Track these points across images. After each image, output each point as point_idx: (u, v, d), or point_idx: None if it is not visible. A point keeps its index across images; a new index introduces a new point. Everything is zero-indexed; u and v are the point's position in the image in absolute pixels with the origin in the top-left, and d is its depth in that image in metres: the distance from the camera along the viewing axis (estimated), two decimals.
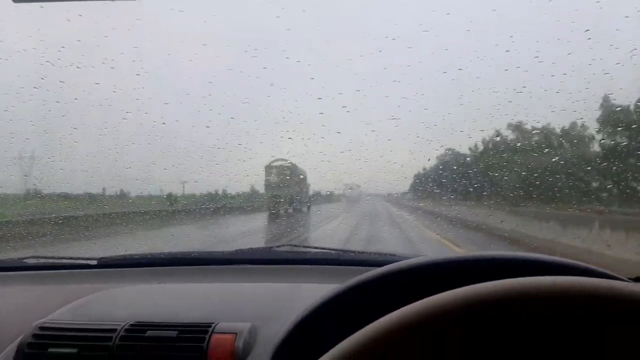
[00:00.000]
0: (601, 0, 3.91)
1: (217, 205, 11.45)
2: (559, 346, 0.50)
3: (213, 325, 1.14)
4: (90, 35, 5.04)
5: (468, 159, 8.56)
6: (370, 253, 1.98)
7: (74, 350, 1.09)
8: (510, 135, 8.47)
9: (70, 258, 1.96)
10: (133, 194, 9.10)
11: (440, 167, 7.86)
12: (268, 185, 11.92)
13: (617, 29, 4.09)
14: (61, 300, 1.39)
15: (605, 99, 5.36)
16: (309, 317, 0.86)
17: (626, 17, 3.94)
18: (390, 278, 0.84)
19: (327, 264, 1.82)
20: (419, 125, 4.98)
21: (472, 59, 4.58)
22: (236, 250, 1.98)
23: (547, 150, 7.17)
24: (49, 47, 4.65)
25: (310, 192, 13.17)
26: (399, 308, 0.55)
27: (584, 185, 7.30)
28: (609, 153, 7.22)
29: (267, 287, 1.54)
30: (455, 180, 7.25)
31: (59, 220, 7.41)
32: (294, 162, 11.01)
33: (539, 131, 7.64)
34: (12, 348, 1.15)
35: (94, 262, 1.88)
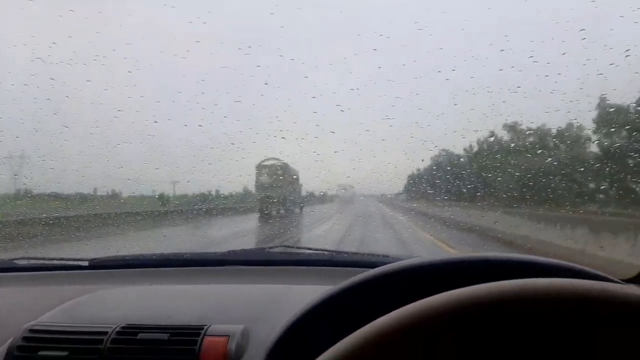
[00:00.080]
0: (596, 0, 3.92)
1: (209, 206, 11.38)
2: (552, 348, 0.50)
3: (205, 327, 1.12)
4: (82, 32, 4.98)
5: (462, 159, 8.58)
6: (363, 254, 1.96)
7: (65, 354, 1.08)
8: (504, 135, 8.52)
9: (62, 259, 1.94)
10: (125, 194, 9.05)
11: (434, 168, 7.87)
12: (259, 185, 11.72)
13: (612, 29, 4.11)
14: (52, 302, 1.36)
15: (602, 99, 5.39)
16: (302, 319, 0.85)
17: (621, 17, 3.95)
18: (383, 280, 0.83)
19: (320, 265, 1.81)
20: (413, 125, 4.98)
21: (466, 58, 4.58)
22: (229, 252, 1.97)
23: (540, 151, 7.21)
24: (39, 43, 4.59)
25: (303, 193, 12.94)
26: (392, 310, 0.54)
27: (577, 187, 7.34)
28: (603, 154, 7.27)
29: (260, 288, 1.52)
30: (448, 181, 7.27)
31: (50, 220, 7.35)
32: (285, 162, 10.79)
33: (532, 132, 7.69)
34: (1, 351, 1.13)
35: (86, 263, 1.86)
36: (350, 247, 7.19)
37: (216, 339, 1.09)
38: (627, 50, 3.98)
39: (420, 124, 4.89)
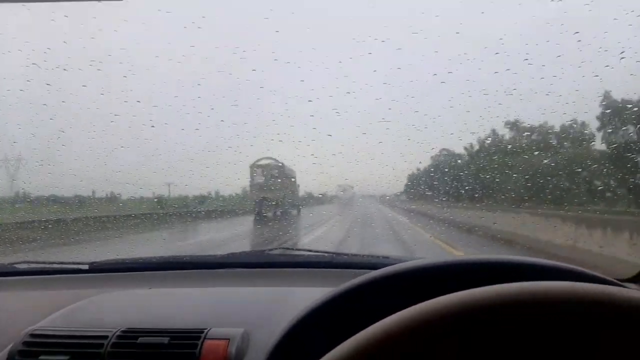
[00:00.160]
0: (590, 3, 3.91)
1: (207, 209, 11.34)
2: (554, 351, 0.50)
3: (205, 330, 1.12)
4: (77, 37, 4.98)
5: (459, 160, 8.57)
6: (363, 256, 1.95)
7: (66, 358, 1.08)
8: (503, 135, 8.50)
9: (62, 263, 1.94)
10: (123, 198, 9.06)
11: (432, 169, 7.86)
12: (253, 186, 11.19)
13: (606, 32, 4.10)
14: (53, 306, 1.36)
15: (607, 96, 5.37)
16: (303, 322, 0.85)
17: (615, 19, 3.94)
18: (384, 282, 0.83)
19: (320, 267, 1.81)
20: (410, 128, 4.97)
21: (461, 61, 4.57)
22: (228, 254, 1.97)
23: (537, 152, 7.20)
24: (34, 49, 4.59)
25: (301, 194, 12.56)
26: (393, 312, 0.54)
27: (575, 187, 7.32)
28: (602, 154, 7.26)
29: (260, 291, 1.52)
30: (447, 182, 7.26)
31: (49, 224, 7.35)
32: (281, 162, 10.45)
33: (535, 129, 7.67)
34: (2, 356, 1.13)
35: (86, 267, 1.86)
36: (351, 248, 7.17)
37: (216, 342, 1.09)
38: (622, 52, 3.97)
39: (416, 126, 4.88)
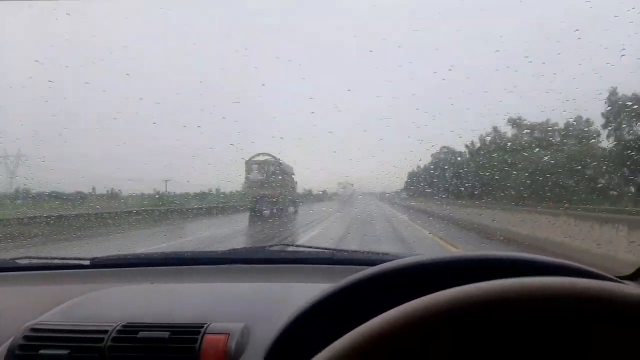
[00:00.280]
0: (591, 1, 3.92)
1: (208, 205, 11.26)
2: (550, 347, 0.50)
3: (205, 325, 1.11)
4: (79, 34, 4.99)
5: (459, 158, 8.55)
6: (363, 252, 1.95)
7: (66, 352, 1.08)
8: (505, 132, 8.50)
9: (63, 258, 1.94)
10: (124, 194, 9.06)
11: (432, 166, 7.87)
12: (249, 183, 10.76)
13: (607, 29, 4.10)
14: (53, 301, 1.35)
15: (612, 92, 5.36)
16: (302, 317, 0.84)
17: (616, 17, 3.95)
18: (383, 278, 0.83)
19: (320, 263, 1.79)
20: (410, 125, 4.98)
21: (462, 58, 4.58)
22: (229, 250, 1.97)
23: (537, 150, 7.20)
24: (37, 47, 4.61)
25: (300, 191, 12.24)
26: (391, 308, 0.54)
27: (574, 185, 7.33)
28: (602, 152, 7.26)
29: (260, 286, 1.52)
30: (447, 180, 7.27)
31: (51, 220, 7.36)
32: (278, 158, 10.09)
33: (529, 130, 7.67)
34: (2, 350, 1.13)
35: (87, 262, 1.86)
36: (350, 245, 7.17)
37: (216, 337, 1.09)
38: (623, 50, 3.99)
39: (417, 123, 4.90)
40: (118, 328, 1.12)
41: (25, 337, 1.12)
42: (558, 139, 7.83)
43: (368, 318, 0.53)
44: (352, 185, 12.02)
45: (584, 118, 7.13)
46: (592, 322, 0.49)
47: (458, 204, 9.06)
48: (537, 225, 7.87)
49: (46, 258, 1.92)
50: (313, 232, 9.26)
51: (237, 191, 11.60)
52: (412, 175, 9.33)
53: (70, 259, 1.91)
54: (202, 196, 10.80)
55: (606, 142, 7.38)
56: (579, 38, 3.86)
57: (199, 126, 5.24)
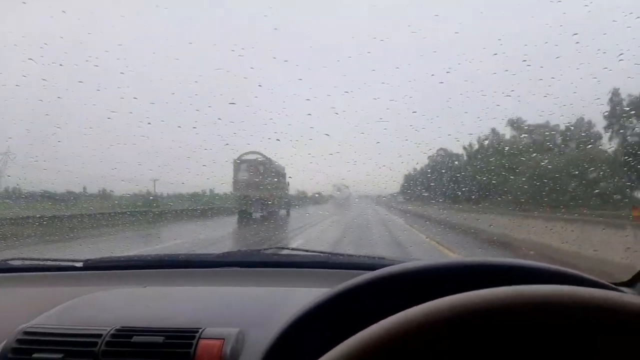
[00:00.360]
0: (589, 5, 3.92)
1: (202, 207, 11.19)
2: (549, 355, 0.50)
3: (200, 330, 1.11)
4: (74, 32, 4.96)
5: (456, 162, 8.56)
6: (359, 256, 1.95)
7: (59, 356, 1.07)
8: (503, 135, 8.51)
9: (56, 260, 1.93)
10: (116, 194, 9.03)
11: (429, 170, 7.86)
12: (237, 183, 10.03)
13: (605, 33, 4.11)
14: (46, 303, 1.34)
15: (615, 92, 5.35)
16: (298, 322, 0.84)
17: (614, 21, 3.95)
18: (381, 283, 0.83)
19: (316, 267, 1.79)
20: (408, 128, 4.97)
21: (460, 61, 4.57)
22: (223, 253, 1.97)
23: (534, 155, 7.21)
24: (31, 44, 4.56)
25: (294, 193, 11.69)
26: (389, 314, 0.54)
27: (571, 190, 7.34)
28: (599, 157, 7.28)
29: (255, 290, 1.51)
30: (444, 183, 7.27)
31: (44, 221, 7.32)
32: (269, 157, 9.46)
33: (526, 135, 7.69)
34: None
35: (80, 264, 1.85)
36: (347, 247, 7.15)
37: (211, 342, 1.08)
38: (621, 54, 3.99)
39: (414, 126, 4.88)
40: (112, 332, 1.11)
41: (19, 341, 1.11)
42: (559, 140, 7.84)
43: (366, 323, 0.53)
44: (347, 187, 11.95)
45: (586, 120, 7.14)
46: (590, 331, 0.49)
47: (455, 208, 9.06)
48: (534, 230, 7.88)
49: (39, 259, 1.91)
50: (306, 236, 9.13)
51: (231, 193, 11.42)
52: (408, 178, 9.33)
53: (63, 260, 1.90)
54: (195, 197, 10.70)
55: (607, 145, 7.40)
56: (577, 42, 3.86)
57: (194, 127, 5.21)
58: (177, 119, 6.18)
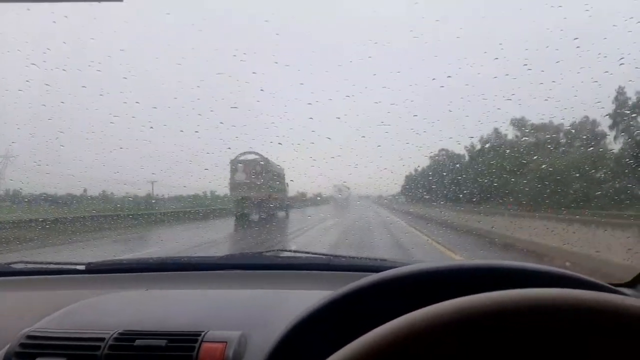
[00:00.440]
0: (590, 9, 3.93)
1: (205, 210, 11.13)
2: (552, 357, 0.50)
3: (203, 333, 1.11)
4: (76, 38, 4.98)
5: (458, 165, 8.55)
6: (361, 258, 1.95)
7: None
8: (506, 134, 8.48)
9: (58, 263, 1.93)
10: (117, 197, 9.02)
11: (430, 172, 7.85)
12: (234, 184, 9.71)
13: (606, 38, 4.12)
14: (49, 307, 1.35)
15: (621, 92, 5.34)
16: (301, 325, 0.84)
17: (614, 26, 3.96)
18: (385, 285, 0.83)
19: (317, 269, 1.79)
20: (409, 132, 4.98)
21: (461, 65, 4.58)
22: (226, 255, 1.97)
23: (536, 157, 7.21)
24: (34, 49, 4.58)
25: (294, 194, 11.37)
26: (392, 316, 0.54)
27: (572, 192, 7.34)
28: (597, 160, 7.27)
29: (257, 293, 1.51)
30: (446, 185, 7.26)
31: (46, 224, 7.33)
32: (266, 157, 9.20)
33: (527, 138, 7.68)
34: None
35: (82, 267, 1.85)
36: (349, 248, 7.14)
37: (214, 345, 1.08)
38: (621, 59, 4.00)
39: (415, 130, 4.89)
40: (115, 336, 1.11)
41: (22, 345, 1.12)
42: (563, 140, 7.81)
43: (370, 326, 0.53)
44: (348, 189, 11.81)
45: (595, 118, 7.11)
46: (592, 334, 0.49)
47: (456, 210, 9.05)
48: (536, 232, 7.87)
49: (41, 263, 1.91)
50: (306, 238, 9.04)
51: (229, 195, 11.27)
52: (409, 179, 9.30)
53: (66, 263, 1.90)
54: (197, 200, 10.63)
55: (611, 146, 7.38)
56: (578, 47, 3.87)
57: (196, 131, 5.23)
58: (180, 123, 6.20)
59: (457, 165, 8.26)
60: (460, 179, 7.62)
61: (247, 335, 1.13)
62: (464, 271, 0.83)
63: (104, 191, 8.73)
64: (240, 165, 9.68)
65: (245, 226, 10.36)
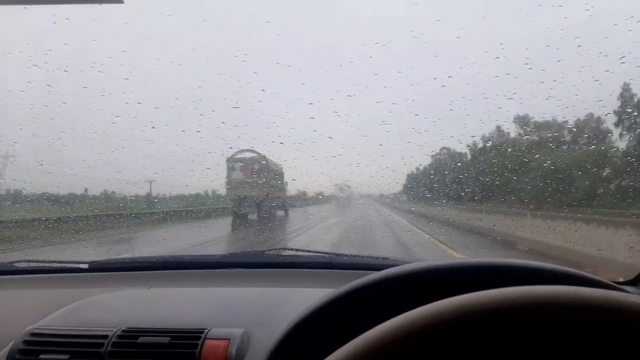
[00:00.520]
0: (591, 9, 3.92)
1: (207, 209, 11.14)
2: (555, 356, 0.50)
3: (206, 331, 1.12)
4: (78, 39, 4.99)
5: (459, 164, 8.54)
6: (363, 257, 1.95)
7: (66, 357, 1.09)
8: (508, 132, 8.46)
9: (62, 262, 1.94)
10: (118, 196, 9.05)
11: (432, 171, 7.85)
12: (231, 183, 9.41)
13: (606, 37, 4.11)
14: (53, 305, 1.36)
15: (626, 89, 5.31)
16: (303, 322, 0.84)
17: (615, 25, 3.95)
18: (387, 283, 0.83)
19: (319, 267, 1.80)
20: (410, 131, 4.98)
21: (462, 65, 4.58)
22: (228, 254, 1.99)
23: (537, 156, 7.20)
24: (35, 51, 4.59)
25: (295, 193, 11.19)
26: (394, 314, 0.54)
27: (574, 190, 7.33)
28: (599, 158, 7.26)
29: (260, 291, 1.52)
30: (447, 184, 7.26)
31: (49, 223, 7.36)
32: (264, 155, 8.93)
33: (530, 136, 7.67)
34: (2, 355, 1.13)
35: (85, 266, 1.86)
36: (351, 246, 7.14)
37: (217, 342, 1.09)
38: (622, 58, 3.99)
39: (416, 129, 4.89)
40: (118, 333, 1.12)
41: (26, 342, 1.13)
42: (567, 138, 7.79)
43: (371, 324, 0.53)
44: (349, 187, 11.71)
45: (599, 116, 7.08)
46: (596, 331, 0.49)
47: (458, 209, 9.04)
48: (538, 230, 7.87)
49: (45, 261, 1.92)
50: (308, 235, 8.99)
51: (226, 193, 11.14)
52: (410, 177, 9.29)
53: (69, 262, 1.91)
54: (198, 199, 10.62)
55: (615, 144, 7.35)
56: (579, 46, 3.87)
57: (198, 131, 5.24)
58: (181, 123, 6.21)
59: (459, 164, 8.26)
60: (461, 178, 7.61)
61: (250, 333, 1.13)
62: (466, 269, 0.83)
63: (106, 190, 8.75)
64: (237, 163, 9.47)
65: (247, 225, 10.28)
